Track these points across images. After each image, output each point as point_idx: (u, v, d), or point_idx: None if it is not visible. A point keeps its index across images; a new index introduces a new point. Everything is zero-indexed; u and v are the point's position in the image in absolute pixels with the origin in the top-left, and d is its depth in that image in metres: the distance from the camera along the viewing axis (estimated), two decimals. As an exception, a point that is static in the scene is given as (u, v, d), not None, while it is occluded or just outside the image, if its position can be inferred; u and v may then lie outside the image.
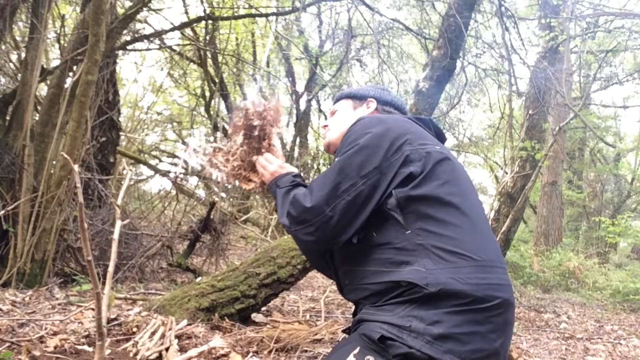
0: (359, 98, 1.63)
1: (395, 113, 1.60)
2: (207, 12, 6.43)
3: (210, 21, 6.51)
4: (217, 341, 2.58)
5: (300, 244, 1.45)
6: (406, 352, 1.11)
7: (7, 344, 2.30)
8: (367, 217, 1.27)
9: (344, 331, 1.34)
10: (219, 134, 1.79)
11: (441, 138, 1.52)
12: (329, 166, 1.53)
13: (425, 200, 1.24)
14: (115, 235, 2.04)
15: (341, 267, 1.40)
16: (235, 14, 7.42)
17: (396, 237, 1.23)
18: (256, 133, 1.56)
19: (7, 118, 4.16)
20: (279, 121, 1.60)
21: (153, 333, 2.57)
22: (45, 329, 2.59)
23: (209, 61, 8.54)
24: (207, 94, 9.77)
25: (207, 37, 7.28)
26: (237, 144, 1.57)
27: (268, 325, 3.31)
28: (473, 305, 1.15)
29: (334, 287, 4.17)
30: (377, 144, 1.30)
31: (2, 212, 3.60)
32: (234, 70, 10.25)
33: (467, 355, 1.11)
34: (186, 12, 8.41)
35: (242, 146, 1.56)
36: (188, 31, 7.50)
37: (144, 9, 4.85)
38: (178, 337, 2.59)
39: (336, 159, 1.36)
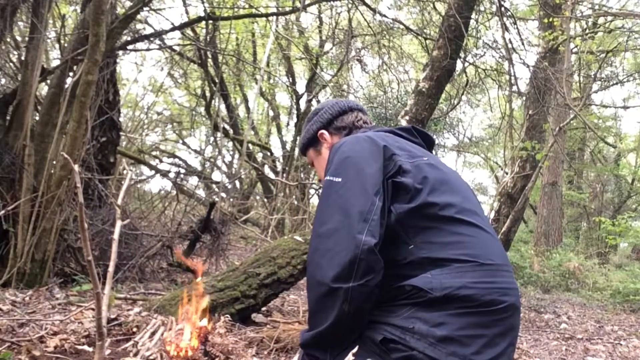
0: (313, 142, 1.61)
1: (348, 115, 1.58)
2: (207, 12, 6.42)
3: (210, 21, 6.50)
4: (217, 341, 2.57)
5: (365, 295, 1.18)
6: (408, 354, 1.10)
7: (7, 344, 2.30)
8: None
9: None
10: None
11: (428, 141, 1.53)
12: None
13: (424, 212, 1.23)
14: (115, 235, 2.04)
15: None
16: (236, 14, 7.41)
17: (399, 253, 1.21)
18: None
19: (7, 118, 4.15)
20: None
21: (153, 333, 2.57)
22: (45, 329, 2.59)
23: (209, 61, 8.54)
24: (207, 94, 9.77)
25: (207, 37, 7.28)
26: None
27: (268, 326, 3.30)
28: (478, 308, 1.14)
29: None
30: (368, 159, 1.27)
31: (2, 212, 3.60)
32: (234, 70, 10.25)
33: (471, 357, 1.10)
34: (186, 12, 8.42)
35: None
36: (188, 31, 7.51)
37: (144, 9, 4.85)
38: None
39: (327, 179, 1.31)
